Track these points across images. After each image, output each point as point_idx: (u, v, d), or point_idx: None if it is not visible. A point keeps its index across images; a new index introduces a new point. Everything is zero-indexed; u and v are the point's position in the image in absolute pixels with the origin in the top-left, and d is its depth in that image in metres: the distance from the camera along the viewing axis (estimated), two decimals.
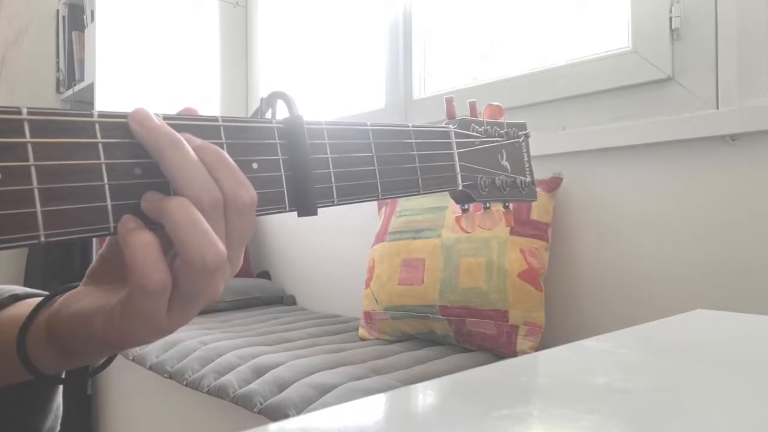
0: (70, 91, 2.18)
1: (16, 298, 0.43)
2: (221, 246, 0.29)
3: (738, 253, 1.06)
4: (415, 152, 0.44)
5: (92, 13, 2.01)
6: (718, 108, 1.09)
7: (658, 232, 1.17)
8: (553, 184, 1.27)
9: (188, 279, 0.29)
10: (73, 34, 2.19)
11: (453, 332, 1.27)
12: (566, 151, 1.29)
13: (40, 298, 0.41)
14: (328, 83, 2.06)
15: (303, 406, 0.97)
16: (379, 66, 1.82)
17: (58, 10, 2.27)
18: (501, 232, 1.23)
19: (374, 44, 1.86)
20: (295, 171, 0.36)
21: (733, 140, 1.07)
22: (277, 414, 0.97)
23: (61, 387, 0.44)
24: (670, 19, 1.15)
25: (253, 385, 1.06)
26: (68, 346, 0.35)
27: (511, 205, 0.55)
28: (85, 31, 2.08)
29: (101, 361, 0.40)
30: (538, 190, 1.26)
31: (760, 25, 1.04)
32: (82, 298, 0.34)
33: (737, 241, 1.06)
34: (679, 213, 1.14)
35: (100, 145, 0.28)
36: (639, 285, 1.19)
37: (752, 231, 1.05)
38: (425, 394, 0.31)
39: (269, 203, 0.34)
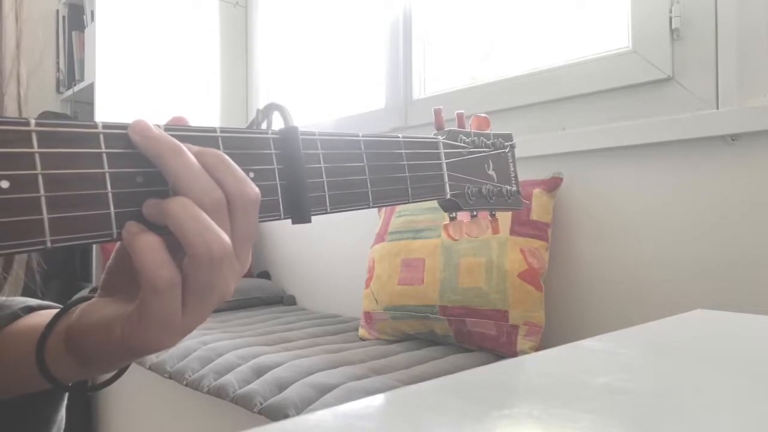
0: (70, 91, 2.18)
1: (30, 309, 0.44)
2: (225, 237, 0.30)
3: (738, 253, 1.06)
4: (405, 162, 0.46)
5: (92, 13, 2.01)
6: (718, 108, 1.09)
7: (658, 232, 1.17)
8: (553, 184, 1.27)
9: (197, 273, 0.30)
10: (73, 34, 2.19)
11: (453, 332, 1.27)
12: (566, 151, 1.29)
13: (53, 309, 0.42)
14: (329, 83, 2.06)
15: (303, 406, 0.97)
16: (379, 66, 1.82)
17: (58, 10, 2.27)
18: (501, 231, 1.23)
19: (374, 44, 1.86)
20: (289, 180, 0.37)
21: (733, 140, 1.07)
22: (277, 414, 0.97)
23: (66, 398, 0.45)
24: (670, 19, 1.15)
25: (253, 385, 1.06)
26: (89, 355, 0.35)
27: (497, 214, 0.57)
28: (85, 31, 2.09)
29: (114, 372, 0.40)
30: (539, 190, 1.26)
31: (760, 25, 1.04)
32: (100, 308, 0.35)
33: (737, 241, 1.06)
34: (679, 213, 1.14)
35: (104, 155, 0.29)
36: (639, 285, 1.19)
37: (752, 231, 1.05)
38: (425, 394, 0.31)
39: (264, 211, 0.35)
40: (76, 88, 2.13)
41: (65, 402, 0.45)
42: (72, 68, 2.19)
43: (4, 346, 0.41)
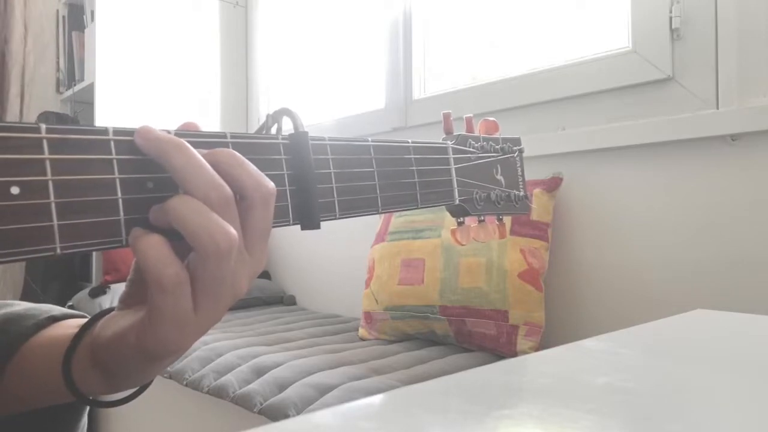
0: (70, 91, 2.18)
1: (54, 319, 0.44)
2: (231, 229, 0.30)
3: (738, 253, 1.06)
4: (414, 168, 0.46)
5: (92, 13, 2.01)
6: (718, 108, 1.09)
7: (658, 232, 1.17)
8: (553, 184, 1.27)
9: (204, 267, 0.30)
10: (73, 34, 2.19)
11: (453, 332, 1.26)
12: (566, 151, 1.29)
13: (78, 320, 0.42)
14: (329, 83, 2.06)
15: (303, 406, 0.97)
16: (379, 66, 1.82)
17: (58, 10, 2.27)
18: None
19: (374, 44, 1.86)
20: (299, 185, 0.36)
21: (733, 140, 1.07)
22: (277, 414, 0.97)
23: (88, 406, 0.45)
24: (670, 19, 1.15)
25: (253, 385, 1.06)
26: (111, 367, 0.35)
27: (504, 218, 0.57)
28: (85, 31, 2.08)
29: (135, 389, 0.40)
30: (539, 190, 1.26)
31: (760, 25, 1.04)
32: (118, 320, 0.35)
33: (737, 241, 1.06)
34: (679, 213, 1.14)
35: (115, 161, 0.29)
36: (639, 285, 1.19)
37: (752, 231, 1.05)
38: (425, 394, 0.31)
39: (274, 217, 0.34)
40: (76, 88, 2.12)
41: (87, 409, 0.45)
42: (72, 68, 2.19)
43: (28, 358, 0.41)
